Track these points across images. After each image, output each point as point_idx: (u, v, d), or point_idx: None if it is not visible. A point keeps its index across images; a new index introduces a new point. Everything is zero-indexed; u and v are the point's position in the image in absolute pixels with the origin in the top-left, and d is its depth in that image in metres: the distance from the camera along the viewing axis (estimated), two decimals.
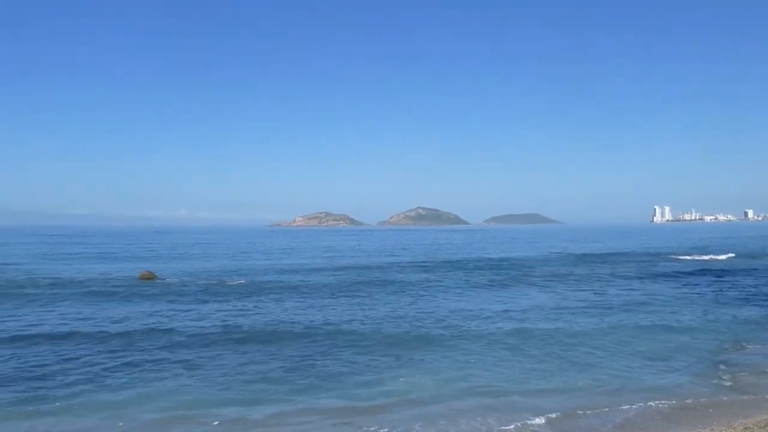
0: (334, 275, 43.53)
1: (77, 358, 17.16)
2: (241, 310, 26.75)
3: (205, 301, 29.15)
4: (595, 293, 32.66)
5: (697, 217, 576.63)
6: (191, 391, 14.28)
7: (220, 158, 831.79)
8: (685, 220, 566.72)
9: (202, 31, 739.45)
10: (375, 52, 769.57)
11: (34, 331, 21.36)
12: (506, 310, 26.77)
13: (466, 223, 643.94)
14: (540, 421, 12.36)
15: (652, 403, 13.35)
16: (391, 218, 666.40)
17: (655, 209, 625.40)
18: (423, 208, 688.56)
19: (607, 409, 13.06)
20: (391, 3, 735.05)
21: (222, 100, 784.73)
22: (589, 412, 12.92)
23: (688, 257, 60.74)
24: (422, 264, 54.90)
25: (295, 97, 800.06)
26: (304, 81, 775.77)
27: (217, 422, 12.24)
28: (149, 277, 38.35)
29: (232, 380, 15.24)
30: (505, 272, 45.85)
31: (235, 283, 37.36)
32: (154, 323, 23.04)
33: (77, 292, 31.98)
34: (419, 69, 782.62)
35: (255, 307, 27.67)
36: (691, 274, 43.27)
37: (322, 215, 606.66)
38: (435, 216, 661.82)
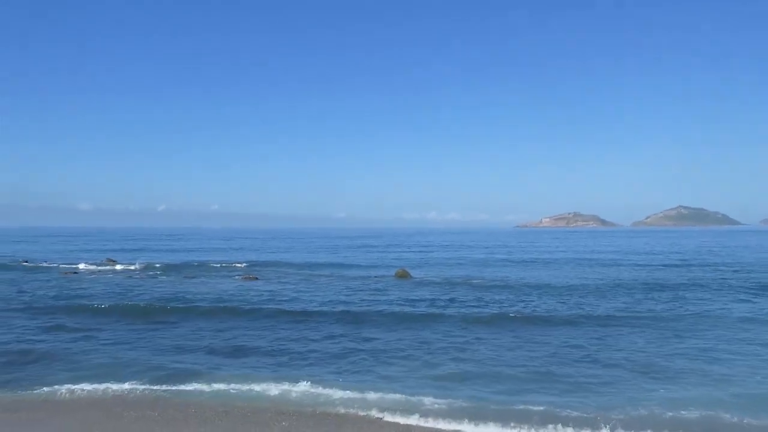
0: (608, 293, 33.02)
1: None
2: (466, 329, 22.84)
3: (447, 300, 30.73)
4: None
5: None
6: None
7: (467, 160, 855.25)
8: None
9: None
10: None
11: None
12: None
13: (737, 223, 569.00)
14: None
15: None
16: (647, 218, 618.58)
17: None
18: (685, 207, 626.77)
19: None
20: None
21: (463, 108, 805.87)
22: None
23: None
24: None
25: (541, 97, 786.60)
26: (556, 83, 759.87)
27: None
28: (403, 275, 42.30)
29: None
30: None
31: (488, 285, 37.55)
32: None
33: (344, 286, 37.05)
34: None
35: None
36: None
37: (570, 216, 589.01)
38: (700, 215, 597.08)
